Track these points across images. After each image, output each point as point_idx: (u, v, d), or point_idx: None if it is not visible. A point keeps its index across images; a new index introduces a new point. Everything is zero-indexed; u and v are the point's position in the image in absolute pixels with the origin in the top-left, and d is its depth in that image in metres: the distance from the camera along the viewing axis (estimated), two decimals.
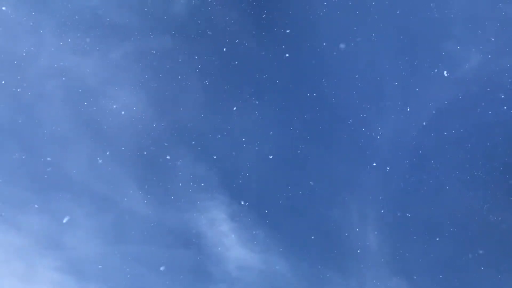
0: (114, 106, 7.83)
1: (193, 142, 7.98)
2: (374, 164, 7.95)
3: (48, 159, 7.48)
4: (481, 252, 7.66)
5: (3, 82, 7.57)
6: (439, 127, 7.84)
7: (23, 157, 7.70)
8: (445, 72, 7.26)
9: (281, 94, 8.00)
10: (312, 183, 7.99)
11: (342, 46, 7.87)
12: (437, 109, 7.83)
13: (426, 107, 7.85)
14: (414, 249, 7.91)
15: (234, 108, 7.97)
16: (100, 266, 7.90)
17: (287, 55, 7.92)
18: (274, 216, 8.06)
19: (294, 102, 7.99)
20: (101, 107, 7.84)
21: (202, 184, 7.98)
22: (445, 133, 7.81)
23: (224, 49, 7.92)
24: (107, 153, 7.82)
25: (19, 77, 7.64)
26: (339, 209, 8.00)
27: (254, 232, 8.06)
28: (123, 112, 7.86)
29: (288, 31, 7.91)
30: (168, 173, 7.96)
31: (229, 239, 8.10)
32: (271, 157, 7.99)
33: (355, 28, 7.86)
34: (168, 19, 7.87)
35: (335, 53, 7.91)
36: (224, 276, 8.06)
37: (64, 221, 6.84)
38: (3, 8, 7.47)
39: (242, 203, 7.96)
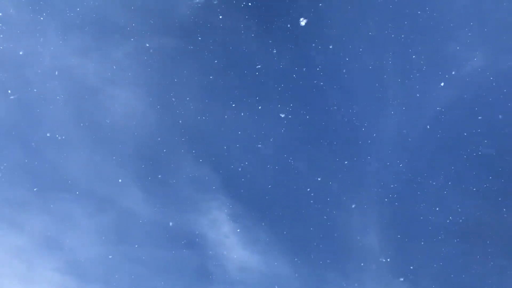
0: (115, 106, 7.81)
1: (194, 143, 7.97)
2: (375, 165, 7.96)
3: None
4: (481, 252, 7.69)
5: (3, 82, 7.54)
6: (440, 128, 7.85)
7: (24, 157, 7.69)
8: (452, 72, 7.25)
9: (281, 95, 7.99)
10: (312, 184, 8.00)
11: (342, 46, 7.87)
12: (437, 110, 7.83)
13: (426, 108, 7.86)
14: (414, 250, 7.93)
15: (235, 108, 7.97)
16: (100, 267, 7.90)
17: (288, 55, 7.92)
18: (275, 217, 8.07)
19: (295, 103, 7.99)
20: (102, 107, 7.82)
21: (204, 185, 7.98)
22: (446, 134, 7.83)
23: (225, 49, 7.91)
24: (108, 153, 7.82)
25: (19, 77, 7.62)
26: (339, 210, 8.01)
27: (255, 233, 8.07)
28: (123, 112, 7.84)
29: (289, 32, 7.90)
30: (169, 174, 7.96)
31: (230, 240, 8.10)
32: (271, 157, 8.01)
33: (356, 28, 7.86)
34: (169, 19, 7.85)
35: (335, 53, 7.90)
36: (225, 277, 8.06)
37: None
38: (4, 8, 7.43)
39: (245, 204, 7.98)
